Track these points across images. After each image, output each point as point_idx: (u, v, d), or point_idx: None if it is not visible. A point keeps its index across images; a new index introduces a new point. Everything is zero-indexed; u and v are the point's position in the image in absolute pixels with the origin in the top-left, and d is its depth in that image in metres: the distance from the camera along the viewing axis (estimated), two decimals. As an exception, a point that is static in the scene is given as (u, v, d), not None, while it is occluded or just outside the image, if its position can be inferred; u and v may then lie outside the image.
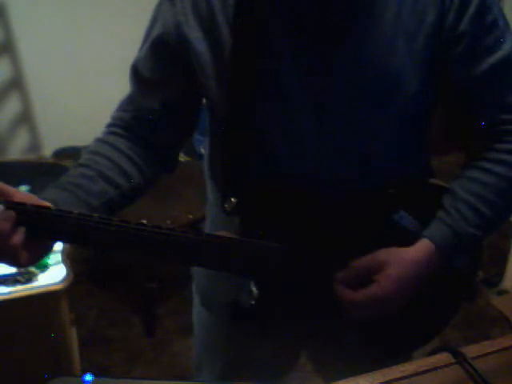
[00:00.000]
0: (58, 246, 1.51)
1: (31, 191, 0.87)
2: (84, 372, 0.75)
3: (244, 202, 0.90)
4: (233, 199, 0.90)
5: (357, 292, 0.87)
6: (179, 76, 0.93)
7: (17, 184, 1.66)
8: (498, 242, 2.53)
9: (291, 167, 0.91)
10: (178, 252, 0.86)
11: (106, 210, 0.91)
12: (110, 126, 0.99)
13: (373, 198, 0.92)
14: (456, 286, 1.01)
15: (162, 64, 0.93)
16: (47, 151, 2.93)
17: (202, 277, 1.15)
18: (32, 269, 1.44)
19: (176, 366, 2.12)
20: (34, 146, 2.94)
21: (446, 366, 0.86)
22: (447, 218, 0.89)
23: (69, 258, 1.52)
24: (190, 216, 2.10)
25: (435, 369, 0.86)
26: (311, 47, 0.85)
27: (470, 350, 0.88)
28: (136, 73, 0.96)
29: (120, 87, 1.04)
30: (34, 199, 0.83)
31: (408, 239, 0.90)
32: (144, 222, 0.83)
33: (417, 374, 0.85)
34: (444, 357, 0.88)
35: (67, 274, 1.46)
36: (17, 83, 2.80)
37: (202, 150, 2.70)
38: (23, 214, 0.79)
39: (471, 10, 0.83)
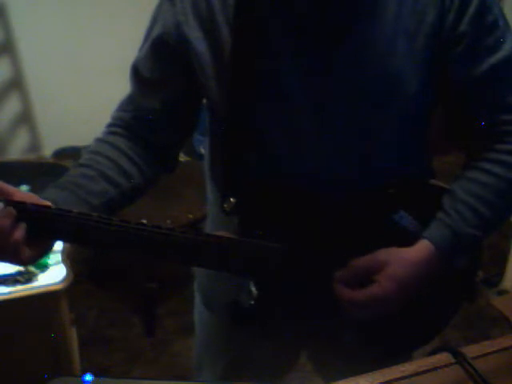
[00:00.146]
0: (58, 245, 1.51)
1: (31, 191, 0.87)
2: (84, 372, 0.75)
3: (243, 202, 0.90)
4: (232, 199, 0.90)
5: (357, 292, 0.87)
6: (179, 76, 0.93)
7: (17, 184, 1.66)
8: (497, 242, 2.53)
9: (291, 167, 0.91)
10: (178, 252, 0.86)
11: (106, 209, 0.91)
12: (110, 125, 0.99)
13: (373, 198, 0.92)
14: (456, 286, 1.01)
15: (162, 64, 0.93)
16: (47, 151, 2.93)
17: (203, 276, 1.15)
18: (32, 269, 1.44)
19: (176, 366, 2.12)
20: (34, 146, 2.94)
21: (446, 365, 0.86)
22: (447, 219, 0.89)
23: (69, 258, 1.52)
24: (190, 216, 2.10)
25: (435, 369, 0.86)
26: (311, 47, 0.85)
27: (470, 350, 0.88)
28: (136, 73, 0.96)
29: (120, 87, 1.04)
30: (34, 198, 0.83)
31: (408, 239, 0.90)
32: (144, 221, 0.83)
33: (417, 374, 0.85)
34: (444, 357, 0.88)
35: (67, 274, 1.46)
36: (17, 83, 2.80)
37: (202, 150, 2.69)
38: (23, 212, 0.79)
39: (471, 10, 0.83)
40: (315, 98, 0.86)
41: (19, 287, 1.43)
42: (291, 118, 0.88)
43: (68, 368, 1.55)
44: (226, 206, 0.91)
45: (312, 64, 0.85)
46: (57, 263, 1.49)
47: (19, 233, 0.79)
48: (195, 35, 0.88)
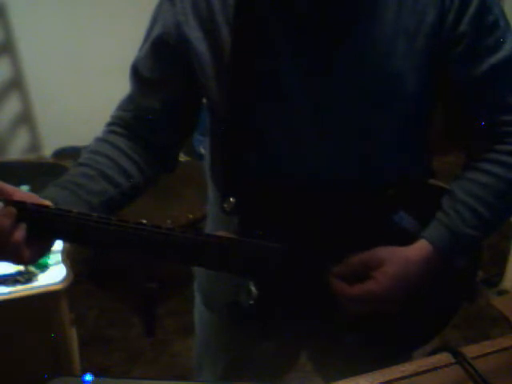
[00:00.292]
0: (58, 245, 1.51)
1: (31, 191, 0.87)
2: (84, 372, 0.75)
3: (243, 201, 0.90)
4: (232, 199, 0.90)
5: (353, 286, 0.88)
6: (179, 76, 0.93)
7: (17, 184, 1.66)
8: (497, 242, 2.53)
9: (291, 167, 0.91)
10: (178, 252, 0.86)
11: (106, 209, 0.91)
12: (109, 125, 0.99)
13: (373, 198, 0.92)
14: (456, 286, 1.01)
15: (162, 64, 0.93)
16: (47, 151, 2.93)
17: (203, 276, 1.15)
18: (32, 269, 1.44)
19: (176, 366, 2.12)
20: (34, 146, 2.94)
21: (446, 365, 0.86)
22: (445, 219, 0.89)
23: (69, 258, 1.52)
24: (190, 216, 2.10)
25: (435, 369, 0.86)
26: (311, 47, 0.85)
27: (470, 350, 0.88)
28: (136, 72, 0.96)
29: (120, 87, 1.04)
30: (34, 198, 0.83)
31: (408, 240, 0.90)
32: (144, 221, 0.83)
33: (417, 374, 0.85)
34: (444, 357, 0.88)
35: (67, 274, 1.46)
36: (17, 83, 2.80)
37: (202, 150, 2.69)
38: (23, 212, 0.79)
39: (471, 10, 0.83)
40: (315, 98, 0.86)
41: (19, 287, 1.43)
42: (291, 118, 0.88)
43: (68, 368, 1.55)
44: (225, 205, 0.91)
45: (312, 64, 0.85)
46: (57, 263, 1.49)
47: (20, 233, 0.79)
48: (195, 35, 0.88)
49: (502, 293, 2.47)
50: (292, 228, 0.90)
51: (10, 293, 1.41)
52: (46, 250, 0.86)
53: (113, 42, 2.78)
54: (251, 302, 0.91)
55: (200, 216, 2.05)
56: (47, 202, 0.84)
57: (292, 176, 0.90)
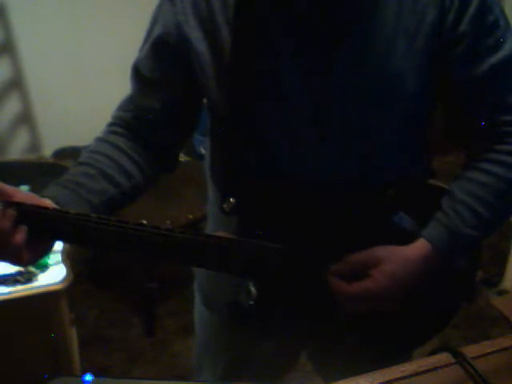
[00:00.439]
0: (58, 245, 1.51)
1: (31, 191, 0.87)
2: (84, 372, 0.75)
3: (243, 202, 0.90)
4: (232, 199, 0.90)
5: (351, 285, 0.88)
6: (180, 76, 0.93)
7: (17, 184, 1.66)
8: (497, 242, 2.53)
9: (291, 167, 0.91)
10: (177, 253, 0.86)
11: (106, 208, 0.91)
12: (110, 125, 0.99)
13: (373, 198, 0.92)
14: (455, 286, 1.01)
15: (163, 64, 0.93)
16: (47, 151, 2.93)
17: (203, 277, 1.15)
18: (32, 269, 1.44)
19: (176, 366, 2.12)
20: (34, 146, 2.94)
21: (446, 365, 0.86)
22: (445, 219, 0.89)
23: (69, 258, 1.52)
24: (190, 216, 2.10)
25: (435, 369, 0.86)
26: (311, 47, 0.85)
27: (470, 350, 0.88)
28: (137, 73, 0.96)
29: (120, 87, 1.04)
30: (35, 198, 0.83)
31: (407, 240, 0.90)
32: (144, 222, 0.83)
33: (417, 374, 0.85)
34: (444, 357, 0.88)
35: (67, 274, 1.46)
36: (17, 83, 2.80)
37: (202, 150, 2.69)
38: (22, 213, 0.79)
39: (471, 10, 0.83)
40: (315, 98, 0.86)
41: (19, 287, 1.43)
42: (291, 118, 0.88)
43: (68, 368, 1.55)
44: (225, 206, 0.91)
45: (312, 64, 0.85)
46: (57, 263, 1.49)
47: (19, 235, 0.79)
48: (195, 35, 0.88)
49: (501, 293, 2.47)
50: (292, 228, 0.90)
51: (10, 293, 1.41)
52: (46, 251, 0.86)
53: (113, 41, 2.78)
54: (251, 302, 0.91)
55: (200, 216, 2.05)
56: (48, 202, 0.84)
57: (292, 176, 0.90)
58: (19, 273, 1.44)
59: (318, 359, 1.23)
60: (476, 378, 0.83)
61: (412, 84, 0.86)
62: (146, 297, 2.28)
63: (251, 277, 0.91)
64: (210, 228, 1.10)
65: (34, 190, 0.89)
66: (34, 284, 1.44)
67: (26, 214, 0.80)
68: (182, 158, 2.46)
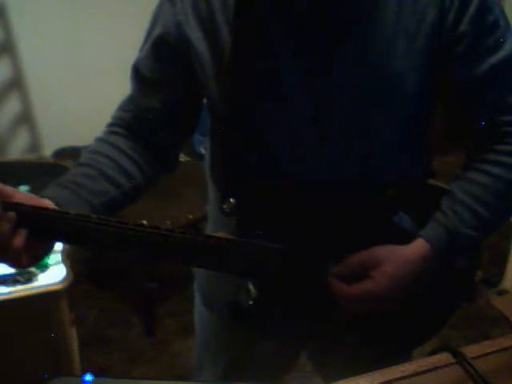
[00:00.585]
0: (58, 246, 1.51)
1: (31, 191, 0.87)
2: (84, 372, 0.75)
3: (243, 202, 0.90)
4: (232, 200, 0.90)
5: (351, 286, 0.88)
6: (180, 76, 0.93)
7: (17, 184, 1.66)
8: (497, 242, 2.53)
9: (291, 167, 0.91)
10: (177, 253, 0.86)
11: (107, 209, 0.91)
12: (110, 125, 0.99)
13: (373, 198, 0.92)
14: (455, 286, 1.01)
15: (163, 64, 0.93)
16: (47, 151, 2.93)
17: (203, 277, 1.15)
18: (32, 269, 1.44)
19: (176, 366, 2.12)
20: (34, 146, 2.94)
21: (446, 365, 0.86)
22: (444, 219, 0.89)
23: (69, 258, 1.52)
24: (190, 216, 2.10)
25: (435, 369, 0.86)
26: (311, 47, 0.85)
27: (470, 350, 0.88)
28: (137, 73, 0.96)
29: (120, 87, 1.04)
30: (34, 199, 0.83)
31: (407, 240, 0.90)
32: (144, 222, 0.83)
33: (417, 374, 0.85)
34: (444, 357, 0.88)
35: (67, 274, 1.46)
36: (17, 83, 2.80)
37: (202, 150, 2.69)
38: (21, 214, 0.79)
39: (471, 10, 0.83)
40: (315, 98, 0.86)
41: (19, 287, 1.43)
42: (291, 118, 0.88)
43: (68, 368, 1.55)
44: (225, 206, 0.91)
45: (312, 64, 0.85)
46: (57, 263, 1.49)
47: (19, 238, 0.79)
48: (195, 35, 0.88)
49: (502, 293, 2.47)
50: (292, 228, 0.90)
51: (10, 293, 1.41)
52: (46, 253, 0.86)
53: (113, 41, 2.78)
54: (251, 302, 0.91)
55: (200, 216, 2.05)
56: (47, 203, 0.84)
57: (292, 176, 0.90)
58: (19, 273, 1.43)
59: (318, 359, 1.23)
60: (476, 378, 0.83)
61: (412, 84, 0.86)
62: (146, 297, 2.28)
63: (251, 277, 0.92)
64: (210, 228, 1.10)
65: (33, 190, 0.89)
66: (34, 284, 1.44)
67: (26, 214, 0.79)
68: (182, 158, 2.46)
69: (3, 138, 2.88)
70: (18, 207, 0.79)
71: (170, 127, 0.98)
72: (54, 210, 0.83)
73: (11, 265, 0.83)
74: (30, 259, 0.82)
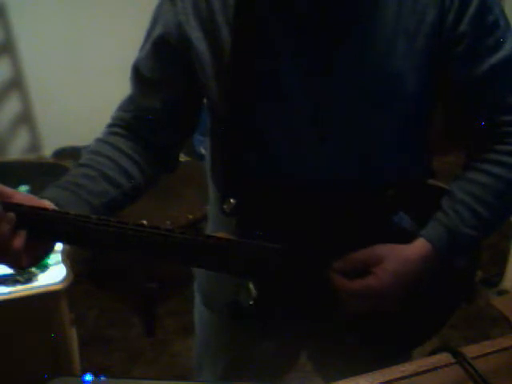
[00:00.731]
0: (58, 246, 1.51)
1: (31, 191, 0.87)
2: (84, 372, 0.75)
3: (243, 202, 0.90)
4: (232, 200, 0.90)
5: (353, 281, 0.88)
6: (180, 76, 0.93)
7: (17, 184, 1.66)
8: (497, 242, 2.53)
9: (291, 167, 0.91)
10: (177, 253, 0.86)
11: (107, 209, 0.91)
12: (110, 126, 0.99)
13: (373, 198, 0.92)
14: (454, 285, 1.01)
15: (163, 64, 0.93)
16: (47, 151, 2.93)
17: (203, 276, 1.15)
18: (32, 269, 1.44)
19: (176, 366, 2.12)
20: (34, 146, 2.94)
21: (446, 365, 0.86)
22: (445, 219, 0.89)
23: (69, 258, 1.52)
24: (190, 216, 2.10)
25: (435, 369, 0.86)
26: (311, 47, 0.85)
27: (470, 350, 0.88)
28: (137, 73, 0.96)
29: (120, 87, 1.04)
30: (34, 200, 0.83)
31: (407, 240, 0.90)
32: (144, 222, 0.83)
33: (417, 374, 0.85)
34: (444, 357, 0.88)
35: (67, 274, 1.46)
36: (17, 83, 2.80)
37: (202, 150, 2.68)
38: (21, 215, 0.79)
39: (471, 10, 0.83)
40: (315, 98, 0.86)
41: (19, 287, 1.43)
42: (291, 118, 0.88)
43: (68, 368, 1.55)
44: (225, 207, 0.91)
45: (312, 64, 0.85)
46: (57, 263, 1.49)
47: (19, 239, 0.79)
48: (196, 35, 0.88)
49: (502, 293, 2.47)
50: (292, 228, 0.90)
51: (10, 293, 1.41)
52: (45, 253, 0.86)
53: (113, 41, 2.78)
54: (251, 302, 0.91)
55: (200, 216, 2.05)
56: (47, 203, 0.84)
57: (292, 176, 0.90)
58: (19, 273, 1.43)
59: (318, 359, 1.23)
60: (476, 378, 0.83)
61: (412, 84, 0.86)
62: (146, 297, 2.28)
63: (251, 277, 0.92)
64: (210, 228, 1.10)
65: (33, 190, 0.89)
66: (34, 284, 1.44)
67: (26, 215, 0.79)
68: (182, 158, 2.46)
69: (3, 137, 2.88)
70: (18, 208, 0.79)
71: (170, 127, 0.98)
72: (53, 210, 0.82)
73: (11, 265, 0.83)
74: (29, 260, 0.81)
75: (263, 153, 0.91)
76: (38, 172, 2.10)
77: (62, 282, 1.45)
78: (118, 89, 1.08)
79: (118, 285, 2.52)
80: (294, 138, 0.89)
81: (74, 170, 0.93)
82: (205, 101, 0.97)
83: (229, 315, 0.99)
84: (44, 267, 1.47)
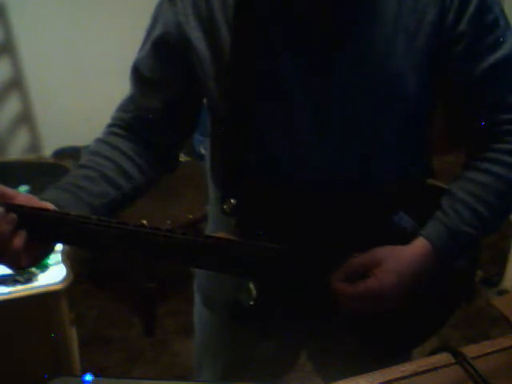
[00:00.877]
0: (58, 246, 1.50)
1: (31, 191, 0.87)
2: (84, 372, 0.75)
3: (243, 202, 0.90)
4: (232, 200, 0.90)
5: (354, 285, 0.87)
6: (180, 76, 0.93)
7: (17, 184, 1.66)
8: (497, 242, 2.53)
9: (291, 167, 0.91)
10: (178, 253, 0.86)
11: (108, 210, 0.91)
12: (110, 126, 0.99)
13: (373, 198, 0.92)
14: (454, 285, 1.01)
15: (163, 64, 0.93)
16: (47, 151, 2.93)
17: (203, 276, 1.15)
18: (32, 269, 1.44)
19: (176, 366, 2.12)
20: (34, 146, 2.94)
21: (446, 365, 0.86)
22: (445, 218, 0.89)
23: (69, 258, 1.52)
24: (190, 216, 2.10)
25: (435, 369, 0.86)
26: (311, 47, 0.85)
27: (470, 350, 0.88)
28: (137, 73, 0.95)
29: (120, 87, 1.04)
30: (35, 201, 0.83)
31: (407, 240, 0.90)
32: (144, 222, 0.83)
33: (417, 374, 0.85)
34: (444, 357, 0.88)
35: (67, 274, 1.47)
36: (17, 83, 2.80)
37: (202, 150, 2.68)
38: (22, 216, 0.79)
39: (471, 9, 0.83)
40: (315, 98, 0.86)
41: (19, 287, 1.43)
42: (291, 117, 0.88)
43: (68, 368, 1.55)
44: (225, 207, 0.91)
45: (312, 64, 0.85)
46: (57, 263, 1.49)
47: (19, 240, 0.79)
48: (196, 35, 0.88)
49: (502, 293, 2.47)
50: (292, 228, 0.90)
51: (10, 293, 1.41)
52: (46, 254, 0.86)
53: (113, 41, 2.78)
54: (251, 302, 0.91)
55: (200, 216, 2.05)
56: (48, 205, 0.84)
57: (292, 176, 0.90)
58: (19, 273, 1.43)
59: (318, 359, 1.23)
60: (476, 378, 0.83)
61: (412, 84, 0.86)
62: (146, 297, 2.28)
63: (251, 277, 0.91)
64: (210, 228, 1.10)
65: (33, 190, 0.89)
66: (34, 284, 1.44)
67: (27, 216, 0.79)
68: (182, 158, 2.46)
69: (3, 137, 2.88)
70: (20, 209, 0.79)
71: (170, 127, 0.98)
72: (54, 211, 0.82)
73: (10, 265, 0.83)
74: (29, 260, 0.81)
75: (263, 153, 0.91)
76: (38, 172, 2.10)
77: (62, 282, 1.45)
78: (117, 89, 1.08)
79: (118, 285, 2.52)
80: (294, 138, 0.89)
81: (74, 172, 0.93)
82: (205, 101, 0.97)
83: (229, 315, 0.99)
84: (44, 267, 1.47)
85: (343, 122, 0.88)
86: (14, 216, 0.78)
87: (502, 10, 0.86)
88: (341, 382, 0.84)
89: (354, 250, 0.89)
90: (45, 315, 1.48)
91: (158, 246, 0.83)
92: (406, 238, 0.90)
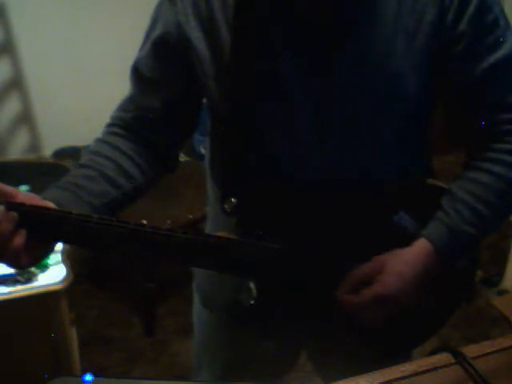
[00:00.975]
0: (58, 246, 1.51)
1: (31, 191, 0.87)
2: (84, 372, 0.75)
3: (243, 202, 0.90)
4: (233, 200, 0.90)
5: (360, 295, 0.87)
6: (180, 75, 0.93)
7: (17, 184, 1.66)
8: (497, 242, 2.53)
9: (291, 167, 0.91)
10: (178, 253, 0.86)
11: (108, 210, 0.91)
12: (110, 126, 0.99)
13: (373, 198, 0.92)
14: (454, 285, 1.01)
15: (163, 63, 0.93)
16: (47, 151, 2.93)
17: (203, 276, 1.15)
18: (32, 269, 1.44)
19: (176, 366, 2.12)
20: (34, 146, 2.94)
21: (446, 366, 0.86)
22: (446, 219, 0.89)
23: (69, 258, 1.52)
24: (190, 216, 2.10)
25: (435, 369, 0.86)
26: (311, 47, 0.85)
27: (470, 350, 0.88)
28: (137, 73, 0.96)
29: (120, 87, 1.04)
30: (36, 199, 0.83)
31: (408, 240, 0.90)
32: (144, 222, 0.83)
33: (417, 374, 0.85)
34: (444, 357, 0.87)
35: (67, 274, 1.46)
36: (17, 83, 2.80)
37: (202, 150, 2.69)
38: (23, 214, 0.79)
39: (471, 9, 0.83)
40: (315, 98, 0.86)
41: (19, 287, 1.43)
42: (291, 117, 0.88)
43: (68, 368, 1.55)
44: (226, 206, 0.91)
45: (312, 64, 0.85)
46: (57, 263, 1.49)
47: (19, 238, 0.79)
48: (196, 35, 0.88)
49: (502, 293, 2.47)
50: (292, 228, 0.90)
51: (10, 293, 1.41)
52: (46, 253, 0.86)
53: (113, 41, 2.78)
54: (251, 302, 0.91)
55: (200, 216, 2.05)
56: (49, 204, 0.84)
57: (292, 176, 0.90)
58: (19, 273, 1.43)
59: (317, 359, 1.23)
60: (476, 378, 0.83)
61: (412, 84, 0.86)
62: (146, 297, 2.28)
63: (252, 277, 0.91)
64: (209, 228, 1.10)
65: (33, 190, 0.89)
66: (34, 284, 1.44)
67: (28, 214, 0.79)
68: (182, 158, 2.46)
69: (3, 137, 2.88)
70: (21, 207, 0.79)
71: (170, 127, 0.98)
72: (55, 209, 0.83)
73: (10, 265, 0.83)
74: (29, 259, 0.81)
75: (263, 153, 0.91)
76: (38, 172, 2.10)
77: (62, 282, 1.45)
78: (117, 89, 1.08)
79: (118, 285, 2.52)
80: (294, 138, 0.89)
81: (74, 171, 0.93)
82: (205, 101, 0.97)
83: (229, 315, 0.99)
84: (44, 267, 1.47)
85: (343, 122, 0.88)
86: (14, 215, 0.78)
87: (502, 10, 0.86)
88: (341, 382, 0.84)
89: (354, 250, 0.89)
90: (45, 315, 1.48)
91: (158, 244, 0.83)
92: (406, 238, 0.90)
